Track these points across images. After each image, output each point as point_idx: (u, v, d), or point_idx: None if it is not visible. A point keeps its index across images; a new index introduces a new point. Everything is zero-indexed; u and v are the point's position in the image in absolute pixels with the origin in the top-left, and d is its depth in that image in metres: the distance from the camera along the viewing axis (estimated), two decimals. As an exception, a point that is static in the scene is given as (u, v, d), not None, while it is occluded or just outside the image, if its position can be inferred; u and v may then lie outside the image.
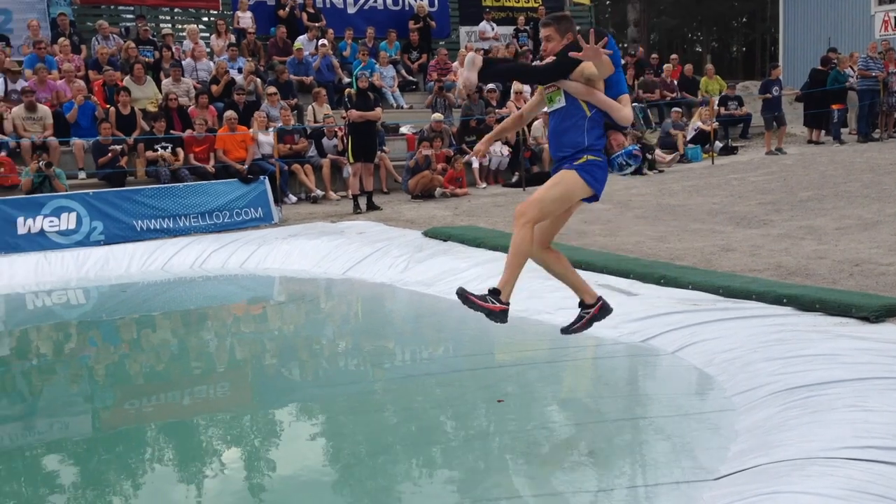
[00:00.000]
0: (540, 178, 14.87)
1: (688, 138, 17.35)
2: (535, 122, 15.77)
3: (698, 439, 4.08)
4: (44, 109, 12.67)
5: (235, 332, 7.73)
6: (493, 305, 4.44)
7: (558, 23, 4.74)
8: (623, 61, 20.13)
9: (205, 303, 8.93)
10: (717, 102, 18.22)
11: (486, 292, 4.47)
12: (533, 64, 5.44)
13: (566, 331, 4.84)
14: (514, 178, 14.80)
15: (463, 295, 4.46)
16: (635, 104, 16.54)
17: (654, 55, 22.20)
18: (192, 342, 7.26)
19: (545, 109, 4.82)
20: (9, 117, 12.47)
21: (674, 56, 21.27)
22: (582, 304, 4.83)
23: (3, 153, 12.21)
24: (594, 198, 4.68)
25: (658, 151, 16.53)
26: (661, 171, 15.56)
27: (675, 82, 19.64)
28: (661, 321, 5.90)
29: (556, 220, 4.76)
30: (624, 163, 4.71)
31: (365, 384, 5.62)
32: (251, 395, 5.83)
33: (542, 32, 4.78)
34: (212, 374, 6.23)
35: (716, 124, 17.38)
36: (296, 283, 9.12)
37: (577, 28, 4.71)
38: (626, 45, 27.39)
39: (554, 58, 4.65)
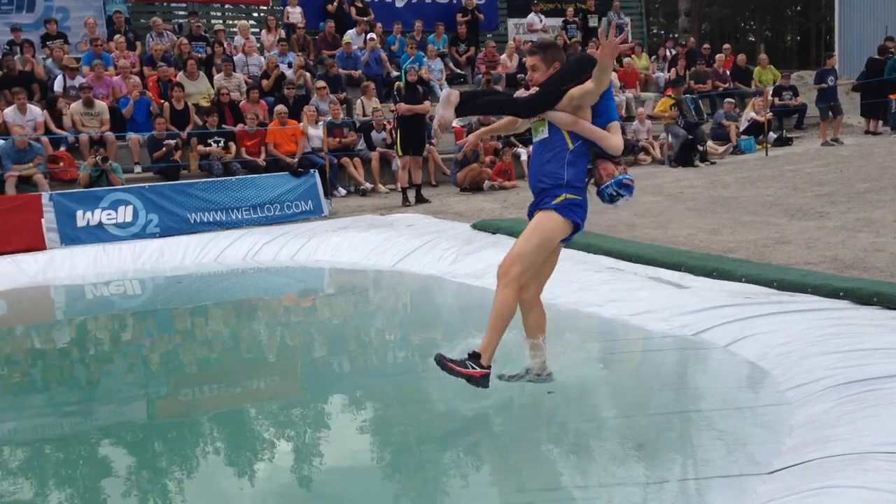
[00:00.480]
0: (589, 171, 14.79)
1: (741, 129, 17.07)
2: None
3: (751, 433, 4.02)
4: (101, 105, 12.96)
5: (286, 322, 7.83)
6: (474, 371, 4.25)
7: (545, 51, 4.52)
8: (674, 52, 19.92)
9: (257, 294, 9.06)
10: (770, 93, 17.89)
11: (466, 357, 4.30)
12: (516, 96, 5.04)
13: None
14: (563, 171, 14.70)
15: (441, 361, 4.29)
16: (687, 95, 16.33)
17: (705, 45, 21.87)
18: (243, 332, 7.37)
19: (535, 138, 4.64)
20: (67, 113, 12.79)
21: (726, 46, 20.92)
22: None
23: (63, 148, 12.53)
24: (576, 229, 4.48)
25: (710, 143, 16.30)
26: (713, 163, 15.34)
27: (728, 72, 19.33)
28: (713, 314, 5.82)
29: (545, 261, 4.60)
30: (615, 193, 4.51)
31: (413, 374, 5.65)
32: (301, 384, 5.90)
33: (528, 61, 4.59)
34: (263, 363, 6.33)
35: (770, 115, 17.08)
36: (346, 274, 9.21)
37: (614, 20, 4.58)
38: (676, 36, 27.01)
39: (538, 88, 4.47)
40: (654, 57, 20.55)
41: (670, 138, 15.66)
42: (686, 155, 15.21)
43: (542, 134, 4.50)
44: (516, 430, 4.47)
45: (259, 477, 4.02)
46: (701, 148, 15.55)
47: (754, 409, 4.41)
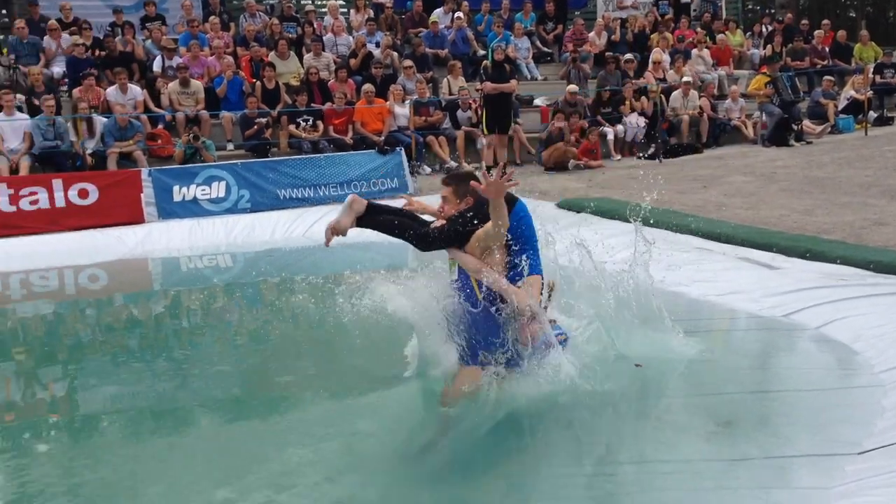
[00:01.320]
0: (677, 151, 14.51)
1: (839, 108, 16.43)
2: (674, 93, 15.35)
3: (842, 414, 3.93)
4: (196, 84, 13.37)
5: (371, 297, 7.90)
6: None
7: (458, 183, 4.16)
8: (770, 28, 19.26)
9: (344, 268, 9.21)
10: (871, 70, 17.13)
11: None
12: (428, 225, 4.40)
13: None
14: (651, 151, 14.47)
15: None
16: (783, 72, 15.81)
17: (804, 21, 21.07)
18: (330, 306, 7.41)
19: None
20: (165, 92, 13.24)
21: (825, 22, 20.10)
22: None
23: (160, 126, 12.99)
24: None
25: (807, 122, 15.75)
26: (809, 143, 14.83)
27: (827, 49, 18.58)
28: (805, 296, 5.69)
29: None
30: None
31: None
32: (385, 355, 5.90)
33: (442, 192, 4.24)
34: (347, 336, 6.33)
35: (870, 93, 16.38)
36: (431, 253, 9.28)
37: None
38: (773, 11, 26.09)
39: (445, 223, 4.14)
40: (748, 33, 19.90)
41: (764, 117, 15.21)
42: (780, 134, 14.75)
43: (452, 275, 4.20)
44: (602, 403, 4.45)
45: (350, 453, 4.07)
46: (796, 127, 15.04)
47: (846, 390, 4.31)
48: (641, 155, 14.60)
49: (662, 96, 15.11)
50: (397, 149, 12.52)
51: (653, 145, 14.49)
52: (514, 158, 14.08)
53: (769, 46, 18.34)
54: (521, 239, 4.07)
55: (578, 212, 9.21)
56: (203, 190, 11.07)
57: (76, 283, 9.01)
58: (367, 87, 13.73)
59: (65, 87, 13.42)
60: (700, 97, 15.52)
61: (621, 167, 13.57)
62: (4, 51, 13.73)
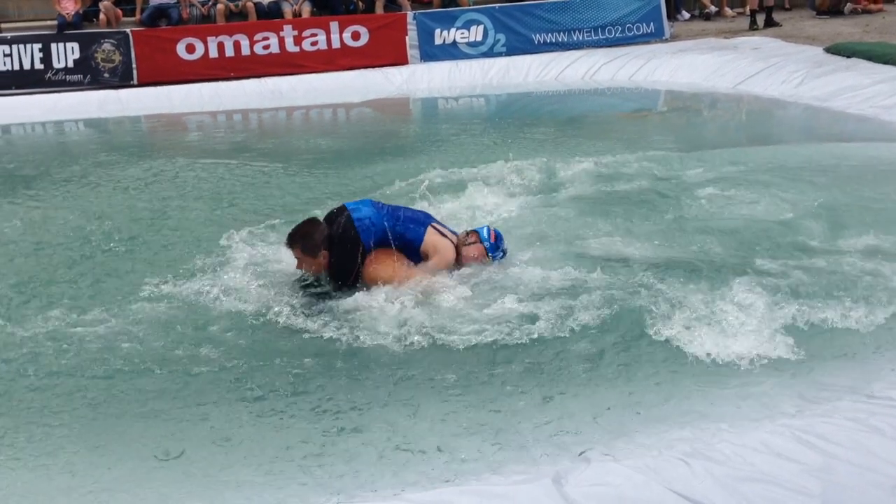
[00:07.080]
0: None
1: None
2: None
3: None
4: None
5: (620, 140, 7.78)
6: None
7: (303, 240, 4.00)
8: None
9: (593, 111, 9.40)
10: None
11: None
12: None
13: None
14: (946, -7, 12.91)
15: None
16: None
17: None
18: (581, 150, 7.29)
19: None
20: (428, -63, 13.61)
21: None
22: None
23: (423, -29, 13.47)
24: None
25: None
26: None
27: None
28: None
29: None
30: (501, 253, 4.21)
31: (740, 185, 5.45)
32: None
33: (294, 255, 4.06)
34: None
35: None
36: (682, 97, 9.20)
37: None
38: None
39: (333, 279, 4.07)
40: None
41: None
42: None
43: None
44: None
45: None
46: None
47: None
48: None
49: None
50: (656, -8, 12.15)
51: (949, -13, 12.92)
52: (781, 2, 13.18)
53: None
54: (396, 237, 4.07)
55: (848, 56, 8.67)
56: (462, 33, 11.52)
57: (349, 119, 9.92)
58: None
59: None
60: None
61: (907, 11, 12.31)
62: None
